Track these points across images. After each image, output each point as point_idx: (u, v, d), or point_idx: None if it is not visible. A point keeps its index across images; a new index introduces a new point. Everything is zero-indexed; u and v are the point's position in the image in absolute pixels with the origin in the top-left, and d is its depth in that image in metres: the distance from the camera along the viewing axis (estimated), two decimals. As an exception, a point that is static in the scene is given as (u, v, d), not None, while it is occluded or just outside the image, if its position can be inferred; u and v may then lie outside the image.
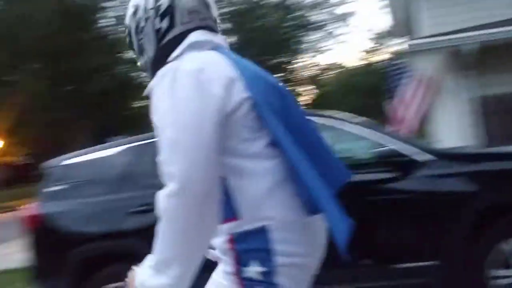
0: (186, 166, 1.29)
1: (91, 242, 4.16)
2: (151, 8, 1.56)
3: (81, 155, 4.58)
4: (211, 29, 1.59)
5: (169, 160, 1.33)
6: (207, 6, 1.60)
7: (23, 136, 29.73)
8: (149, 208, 3.92)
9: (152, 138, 4.29)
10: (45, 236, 4.36)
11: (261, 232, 1.38)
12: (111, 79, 28.18)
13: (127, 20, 1.63)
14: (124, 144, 4.42)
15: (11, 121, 26.45)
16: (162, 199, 1.32)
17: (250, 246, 1.39)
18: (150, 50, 1.60)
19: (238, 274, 1.40)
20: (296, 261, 1.40)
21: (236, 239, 1.41)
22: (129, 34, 1.64)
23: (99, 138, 5.71)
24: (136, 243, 3.97)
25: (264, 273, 1.38)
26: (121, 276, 3.93)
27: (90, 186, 4.32)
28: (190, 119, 1.33)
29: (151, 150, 4.20)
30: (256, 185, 1.39)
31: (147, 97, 1.48)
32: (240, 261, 1.40)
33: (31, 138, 30.68)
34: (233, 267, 1.41)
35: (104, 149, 4.49)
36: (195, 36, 1.53)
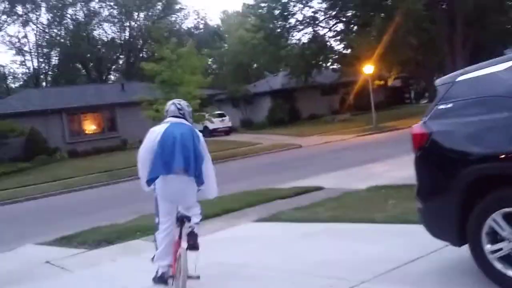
0: (139, 154, 5.12)
1: (481, 163, 3.86)
2: (166, 111, 5.32)
3: (475, 70, 4.17)
4: (178, 116, 5.18)
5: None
6: (180, 109, 5.21)
7: (395, 59, 30.51)
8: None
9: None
10: (431, 154, 4.29)
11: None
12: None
13: None
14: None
15: (383, 45, 27.47)
16: None
17: (154, 182, 5.03)
18: None
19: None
20: (160, 192, 5.06)
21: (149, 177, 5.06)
22: None
23: (480, 55, 5.19)
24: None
25: (154, 189, 5.12)
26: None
27: (481, 103, 3.96)
28: (144, 144, 5.10)
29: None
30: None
31: None
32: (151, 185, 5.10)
33: (402, 60, 31.28)
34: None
35: (499, 63, 3.98)
36: (166, 119, 5.17)
